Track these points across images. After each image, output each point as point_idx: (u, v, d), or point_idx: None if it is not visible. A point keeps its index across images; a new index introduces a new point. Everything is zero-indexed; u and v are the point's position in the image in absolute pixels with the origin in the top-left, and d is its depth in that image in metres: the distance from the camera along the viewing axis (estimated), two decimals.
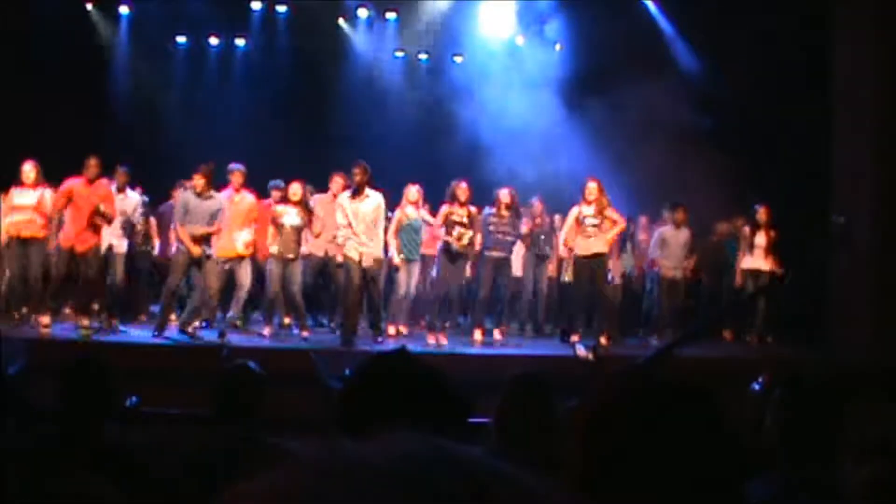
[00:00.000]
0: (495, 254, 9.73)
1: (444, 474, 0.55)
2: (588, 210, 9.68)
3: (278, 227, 9.50)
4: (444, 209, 9.60)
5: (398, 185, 10.17)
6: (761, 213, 10.32)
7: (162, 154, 12.03)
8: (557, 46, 13.41)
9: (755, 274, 10.34)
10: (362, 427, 0.61)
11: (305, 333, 9.56)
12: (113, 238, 9.85)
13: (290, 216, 9.53)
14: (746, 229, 10.44)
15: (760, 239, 10.31)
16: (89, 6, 13.74)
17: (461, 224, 9.47)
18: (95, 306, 9.66)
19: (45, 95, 12.24)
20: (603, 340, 9.61)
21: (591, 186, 9.68)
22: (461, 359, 8.59)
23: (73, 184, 9.14)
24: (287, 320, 10.14)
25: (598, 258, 9.74)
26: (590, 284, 9.83)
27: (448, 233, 9.51)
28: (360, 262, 8.98)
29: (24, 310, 9.57)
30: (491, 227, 9.69)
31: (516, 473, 0.58)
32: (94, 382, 3.32)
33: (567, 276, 10.79)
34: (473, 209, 9.62)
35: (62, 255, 9.16)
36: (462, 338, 10.05)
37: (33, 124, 11.48)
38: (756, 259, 10.32)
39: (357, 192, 9.01)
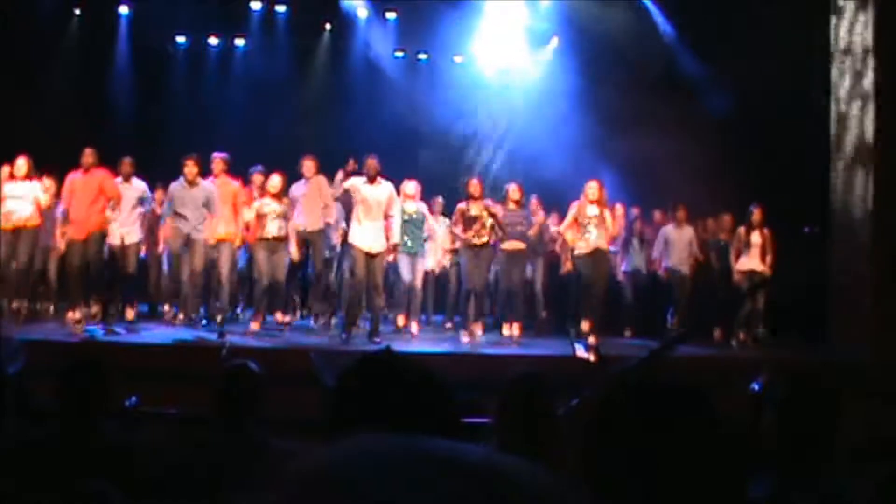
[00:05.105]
0: (510, 247, 9.92)
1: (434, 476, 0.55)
2: (592, 210, 9.63)
3: (260, 217, 9.55)
4: (459, 207, 9.76)
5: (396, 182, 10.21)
6: (756, 214, 10.22)
7: (162, 155, 12.01)
8: (553, 41, 13.43)
9: (750, 274, 10.27)
10: (352, 428, 0.62)
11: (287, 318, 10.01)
12: (123, 229, 9.63)
13: (271, 206, 9.56)
14: (742, 229, 10.37)
15: (756, 238, 10.22)
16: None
17: (477, 218, 9.55)
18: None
19: (45, 95, 12.24)
20: (585, 326, 9.65)
21: (593, 186, 9.64)
22: (461, 359, 8.59)
23: (72, 177, 9.28)
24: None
25: (599, 252, 9.70)
26: (592, 277, 9.74)
27: (465, 230, 9.60)
28: (366, 251, 9.16)
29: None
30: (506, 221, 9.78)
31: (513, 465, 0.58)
32: (94, 382, 3.32)
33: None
34: (490, 202, 9.75)
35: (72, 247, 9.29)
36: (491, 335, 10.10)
37: (32, 124, 11.47)
38: (752, 259, 10.23)
39: (372, 180, 9.25)
